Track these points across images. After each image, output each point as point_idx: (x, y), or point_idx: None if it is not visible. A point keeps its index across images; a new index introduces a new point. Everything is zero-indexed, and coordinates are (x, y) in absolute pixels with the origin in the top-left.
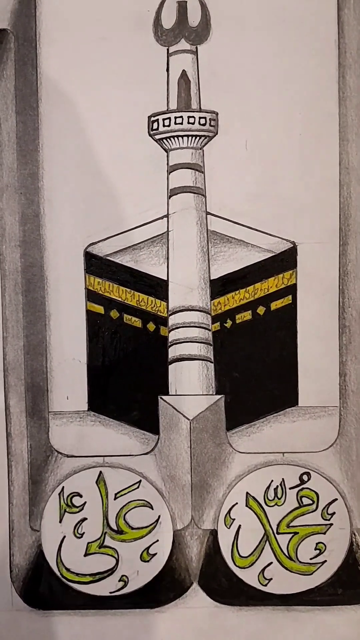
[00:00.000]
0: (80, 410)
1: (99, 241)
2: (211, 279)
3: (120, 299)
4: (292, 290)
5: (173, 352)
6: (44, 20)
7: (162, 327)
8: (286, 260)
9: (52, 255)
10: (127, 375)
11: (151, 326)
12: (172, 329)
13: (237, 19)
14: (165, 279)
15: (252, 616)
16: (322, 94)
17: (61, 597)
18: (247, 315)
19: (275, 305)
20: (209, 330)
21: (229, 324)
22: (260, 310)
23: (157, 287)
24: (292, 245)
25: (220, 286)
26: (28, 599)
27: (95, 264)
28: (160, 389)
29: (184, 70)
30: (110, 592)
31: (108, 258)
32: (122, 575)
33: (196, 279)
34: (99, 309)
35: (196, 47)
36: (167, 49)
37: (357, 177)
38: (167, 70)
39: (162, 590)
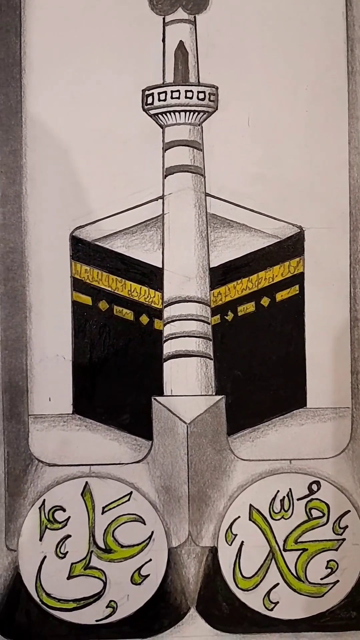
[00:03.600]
0: (64, 413)
1: (86, 224)
2: (211, 267)
3: (109, 289)
4: (299, 279)
5: (168, 347)
6: None
7: (156, 320)
8: (292, 246)
9: (34, 240)
10: (117, 374)
11: (144, 319)
12: (168, 323)
13: None
14: (160, 266)
15: None
16: (329, 68)
17: (41, 626)
18: (250, 307)
19: (280, 295)
20: (208, 323)
21: (230, 316)
22: (265, 301)
23: (151, 276)
24: (299, 230)
25: (220, 275)
26: (3, 629)
27: (82, 250)
28: (153, 389)
29: (181, 41)
30: (97, 620)
31: (96, 243)
32: (111, 601)
33: (194, 267)
34: (86, 299)
35: (194, 17)
36: (163, 18)
37: None
38: (163, 41)
39: (156, 617)
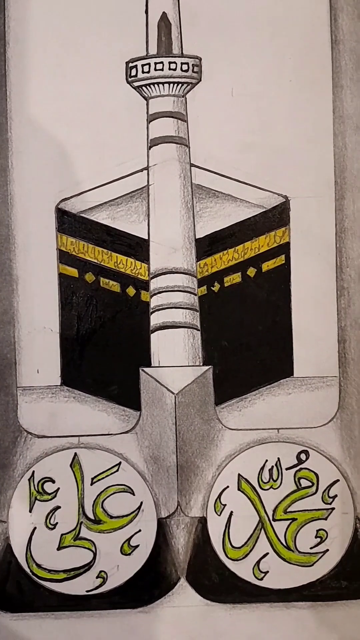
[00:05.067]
0: (53, 385)
1: (72, 196)
2: (196, 237)
3: (96, 261)
4: (285, 249)
5: (155, 319)
6: None
7: (142, 292)
8: (278, 216)
9: (20, 213)
10: (104, 346)
11: (131, 291)
12: (154, 294)
13: None
14: (146, 238)
15: (247, 615)
16: (313, 37)
17: (32, 597)
18: (236, 278)
19: (267, 266)
20: (195, 294)
21: (216, 287)
22: (251, 271)
23: (137, 248)
24: (284, 200)
25: (206, 246)
26: None
27: (68, 222)
28: (141, 360)
29: (164, 12)
30: (87, 591)
31: (82, 215)
32: (101, 571)
33: (180, 238)
34: (73, 272)
35: None
36: None
37: (353, 125)
38: (146, 12)
39: (146, 587)
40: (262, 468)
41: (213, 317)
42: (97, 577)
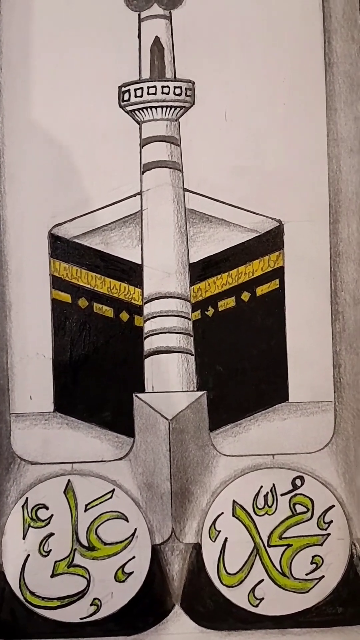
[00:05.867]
0: (46, 411)
1: (65, 222)
2: (190, 262)
3: (89, 286)
4: (279, 273)
5: (149, 344)
6: None
7: (136, 317)
8: (272, 240)
9: (13, 239)
10: (97, 372)
11: (124, 316)
12: (148, 319)
13: None
14: (140, 263)
15: None
16: (307, 60)
17: (25, 624)
18: (230, 302)
19: (261, 290)
20: (189, 319)
21: (210, 312)
22: (245, 296)
23: (131, 272)
24: (278, 224)
25: (200, 270)
26: None
27: (61, 248)
28: (135, 385)
29: (157, 36)
30: (81, 618)
31: (75, 241)
32: (95, 599)
33: (174, 262)
34: (66, 297)
35: (170, 12)
36: (139, 14)
37: (347, 148)
38: (139, 36)
39: (140, 614)
40: (257, 494)
41: (207, 341)
42: (91, 605)
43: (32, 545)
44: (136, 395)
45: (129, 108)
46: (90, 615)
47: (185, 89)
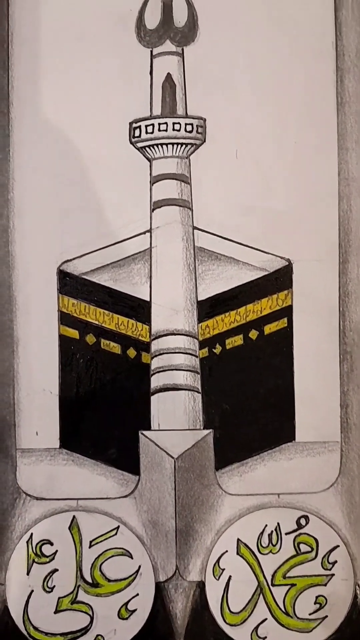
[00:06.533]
0: (52, 447)
1: (74, 258)
2: (198, 299)
3: (97, 322)
4: (287, 312)
5: (156, 381)
6: (17, 19)
7: (143, 354)
8: (281, 279)
9: (22, 274)
10: (104, 408)
11: (131, 352)
12: (155, 356)
13: (226, 18)
14: (148, 299)
15: None
16: (318, 99)
17: None
18: (238, 340)
19: (269, 328)
20: (196, 356)
21: (218, 349)
22: (253, 334)
23: (139, 309)
24: (287, 263)
25: (208, 308)
26: None
27: (69, 284)
28: (141, 423)
29: (168, 73)
30: None
31: (84, 277)
32: (98, 635)
33: (182, 299)
34: (74, 333)
35: (182, 49)
36: (151, 51)
37: (358, 188)
38: (151, 73)
39: None
40: (262, 533)
41: (214, 379)
42: None
43: (36, 580)
44: (142, 433)
45: (139, 145)
46: None
47: (197, 126)
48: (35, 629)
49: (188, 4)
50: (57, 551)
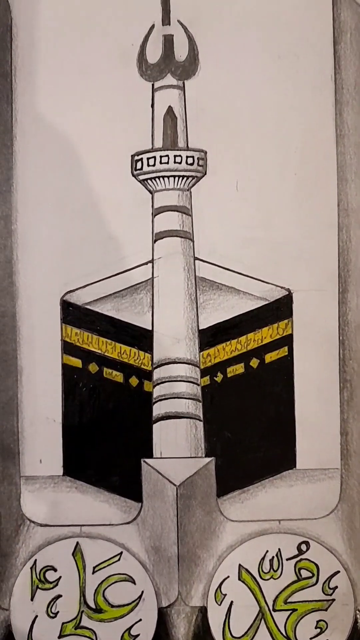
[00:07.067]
0: (55, 474)
1: (77, 289)
2: (200, 328)
3: (99, 351)
4: (288, 341)
5: (158, 409)
6: (21, 53)
7: (145, 382)
8: (281, 308)
9: (25, 304)
10: (106, 436)
11: (134, 381)
12: (157, 384)
13: (227, 52)
14: (150, 328)
15: None
16: (318, 131)
17: None
18: (239, 369)
19: (270, 357)
20: (198, 385)
21: (219, 377)
22: (254, 362)
23: (141, 338)
24: (287, 293)
25: (209, 336)
26: None
27: (72, 314)
28: (143, 451)
29: (170, 106)
30: None
31: (87, 307)
32: None
33: (183, 328)
34: (76, 362)
35: (183, 82)
36: (152, 84)
37: (357, 219)
38: (152, 106)
39: None
40: (263, 558)
41: (216, 407)
42: None
43: (40, 606)
44: (144, 461)
45: (141, 177)
46: None
47: (198, 158)
48: None
49: (189, 38)
50: (60, 577)
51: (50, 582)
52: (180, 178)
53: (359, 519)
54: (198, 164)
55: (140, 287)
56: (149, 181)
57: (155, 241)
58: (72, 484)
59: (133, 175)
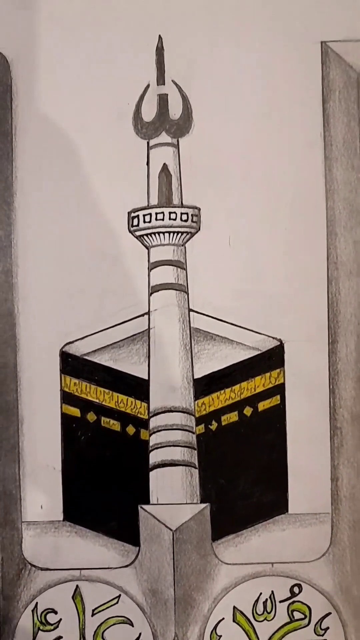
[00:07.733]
0: (55, 520)
1: (76, 340)
2: (195, 378)
3: (97, 401)
4: (280, 389)
5: (154, 457)
6: (21, 113)
7: (142, 430)
8: (273, 358)
9: (26, 355)
10: (104, 483)
11: (131, 429)
12: (153, 432)
13: (220, 111)
14: (146, 378)
15: None
16: (308, 187)
17: None
18: (233, 417)
19: (262, 405)
20: (193, 433)
21: (214, 426)
22: (247, 411)
23: (137, 388)
24: (279, 343)
25: (204, 386)
26: None
27: (71, 364)
28: (140, 497)
29: (164, 163)
30: None
31: (85, 357)
32: None
33: (179, 378)
34: (75, 411)
35: (177, 140)
36: (148, 142)
37: (347, 271)
38: (148, 164)
39: None
40: (257, 601)
41: (210, 455)
42: None
43: None
44: (141, 507)
45: (138, 233)
46: None
47: (192, 215)
48: None
49: (183, 97)
50: (61, 619)
51: (51, 624)
52: (175, 234)
53: (349, 562)
54: (192, 220)
55: (137, 338)
56: (145, 237)
57: (151, 294)
58: (72, 529)
59: (130, 231)
